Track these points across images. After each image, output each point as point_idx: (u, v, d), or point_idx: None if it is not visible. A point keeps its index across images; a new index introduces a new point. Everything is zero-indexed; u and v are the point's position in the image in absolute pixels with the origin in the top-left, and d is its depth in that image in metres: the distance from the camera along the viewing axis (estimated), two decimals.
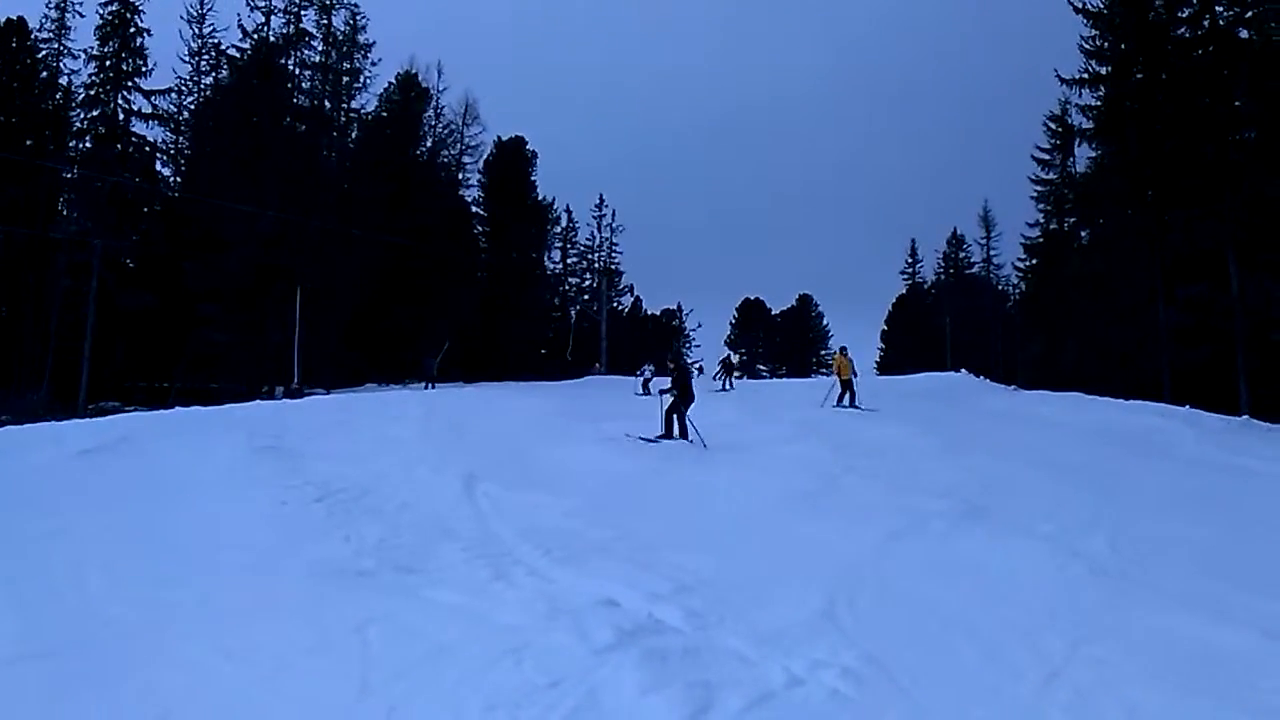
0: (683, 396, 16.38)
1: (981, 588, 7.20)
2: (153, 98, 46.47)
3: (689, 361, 21.09)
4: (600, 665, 5.17)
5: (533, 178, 61.15)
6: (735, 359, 36.97)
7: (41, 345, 39.78)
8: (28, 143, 41.98)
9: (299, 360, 38.27)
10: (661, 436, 15.98)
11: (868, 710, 4.74)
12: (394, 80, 55.57)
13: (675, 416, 16.23)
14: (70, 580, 7.36)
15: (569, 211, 70.48)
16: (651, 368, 32.64)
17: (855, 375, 23.48)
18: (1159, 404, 24.67)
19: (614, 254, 73.31)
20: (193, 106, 49.39)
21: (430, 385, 36.04)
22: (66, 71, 46.21)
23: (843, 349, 24.25)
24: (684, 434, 15.99)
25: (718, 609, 6.32)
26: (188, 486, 11.30)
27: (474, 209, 59.69)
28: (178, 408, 23.29)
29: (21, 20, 43.68)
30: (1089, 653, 5.70)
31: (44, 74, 45.21)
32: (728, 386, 32.82)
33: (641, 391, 28.84)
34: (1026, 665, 5.51)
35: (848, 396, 22.55)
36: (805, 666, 5.24)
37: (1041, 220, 51.76)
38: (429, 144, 57.42)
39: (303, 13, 49.39)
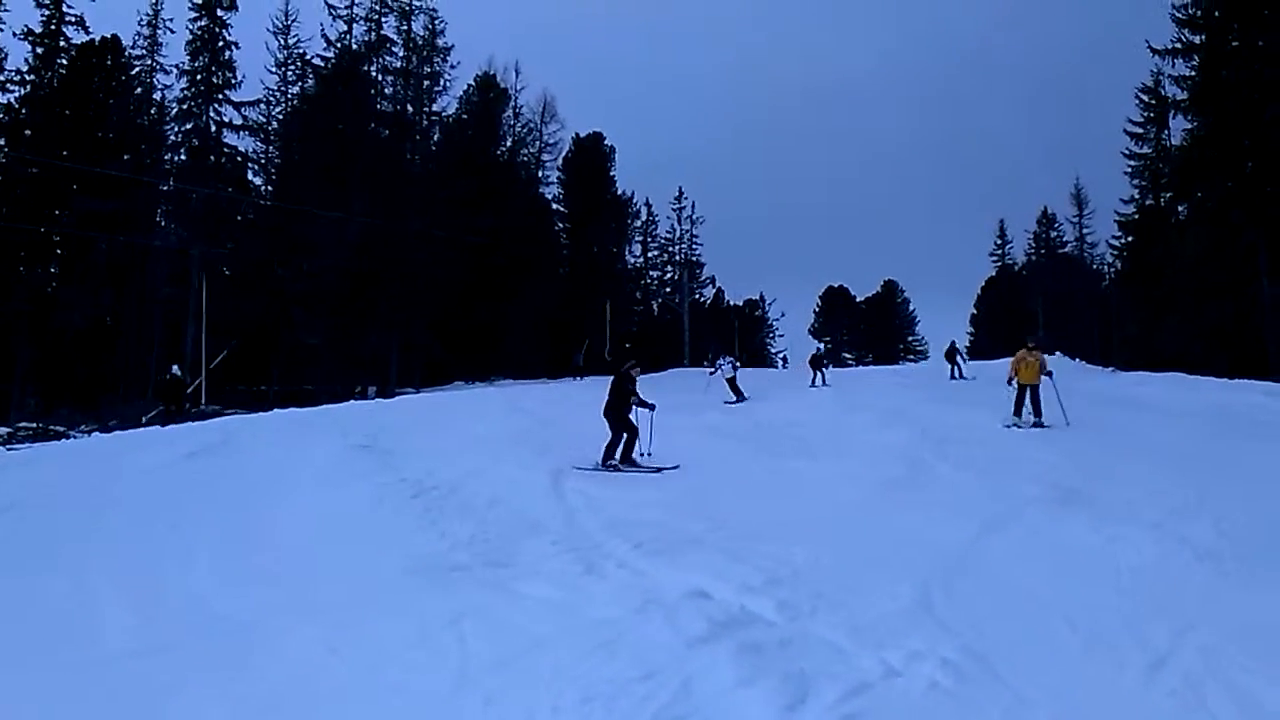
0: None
1: (1082, 576, 7.01)
2: (243, 109, 47.62)
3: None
4: (694, 657, 5.18)
5: (611, 173, 61.44)
6: (822, 349, 34.09)
7: (145, 352, 41.26)
8: (125, 157, 43.49)
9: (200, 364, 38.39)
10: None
11: (969, 703, 4.66)
12: (473, 82, 56.18)
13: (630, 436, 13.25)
14: (181, 577, 7.68)
15: (648, 205, 70.30)
16: (734, 360, 26.00)
17: (1046, 374, 16.53)
18: (1265, 382, 23.74)
19: (694, 246, 73.06)
20: (281, 116, 50.61)
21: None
22: (160, 87, 47.78)
23: (1029, 343, 17.25)
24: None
25: (811, 600, 6.28)
26: (288, 485, 11.66)
27: (554, 206, 60.14)
28: (276, 410, 23.96)
29: (115, 39, 45.19)
30: (1196, 640, 5.51)
31: (138, 90, 46.77)
32: (821, 383, 28.90)
33: (732, 398, 23.81)
34: (1132, 654, 5.36)
35: (1028, 407, 16.31)
36: (902, 658, 5.17)
37: (1136, 196, 50.09)
38: (509, 143, 57.92)
39: (383, 19, 50.37)
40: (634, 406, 13.28)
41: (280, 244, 43.02)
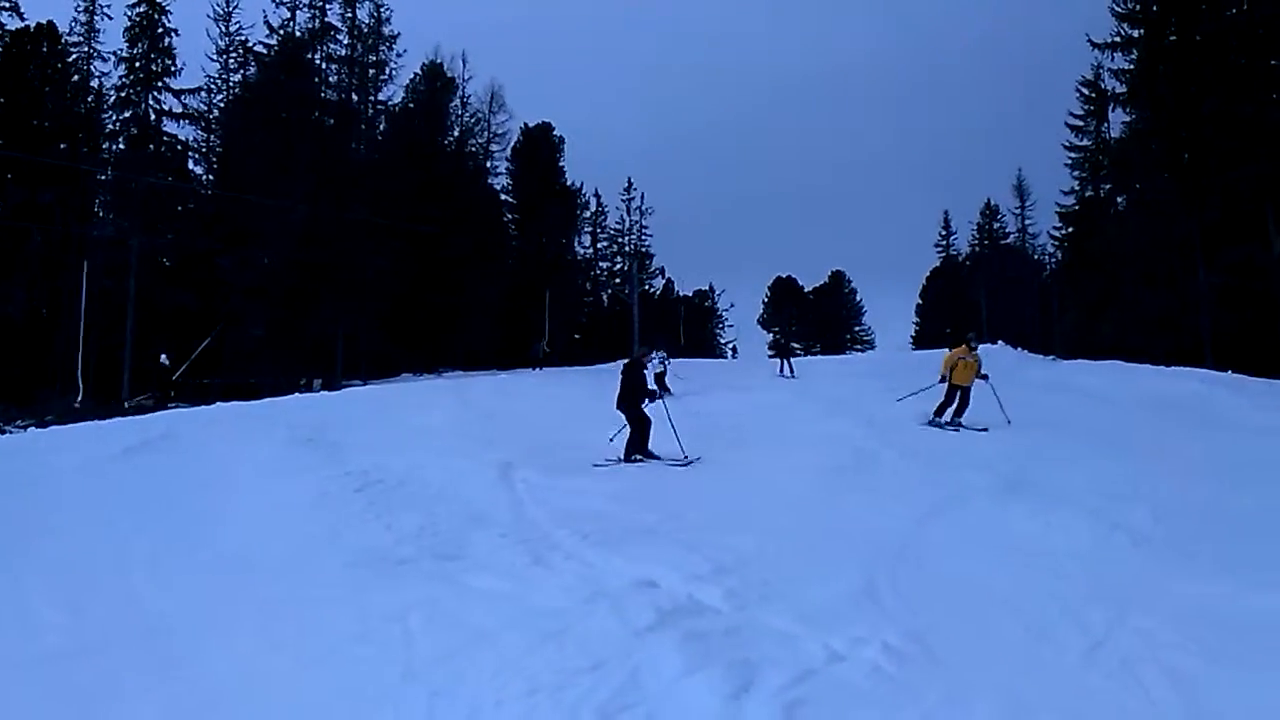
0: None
1: (1023, 562, 7.16)
2: (183, 97, 46.68)
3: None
4: (641, 647, 5.20)
5: (560, 163, 61.17)
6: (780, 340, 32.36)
7: (82, 346, 40.36)
8: (62, 146, 42.39)
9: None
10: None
11: (910, 686, 4.73)
12: (419, 71, 55.49)
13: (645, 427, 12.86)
14: (117, 575, 7.52)
15: (598, 196, 70.18)
16: (664, 355, 23.84)
17: (981, 378, 15.46)
18: (1201, 370, 24.31)
19: (644, 237, 73.13)
20: (222, 105, 49.63)
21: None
22: (97, 74, 46.53)
23: (970, 342, 15.88)
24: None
25: (758, 588, 6.32)
26: (230, 480, 11.47)
27: (503, 196, 59.75)
28: (219, 403, 23.59)
29: (51, 25, 43.91)
30: (1132, 623, 5.67)
31: (75, 77, 45.57)
32: (789, 373, 26.95)
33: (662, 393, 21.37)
34: (1069, 637, 5.48)
35: (952, 411, 15.13)
36: (846, 643, 5.23)
37: (1077, 188, 50.81)
38: (456, 133, 57.32)
39: (327, 7, 49.49)
40: (647, 397, 12.86)
41: (222, 234, 42.26)
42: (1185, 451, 12.46)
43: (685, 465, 12.01)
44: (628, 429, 12.78)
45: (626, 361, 13.49)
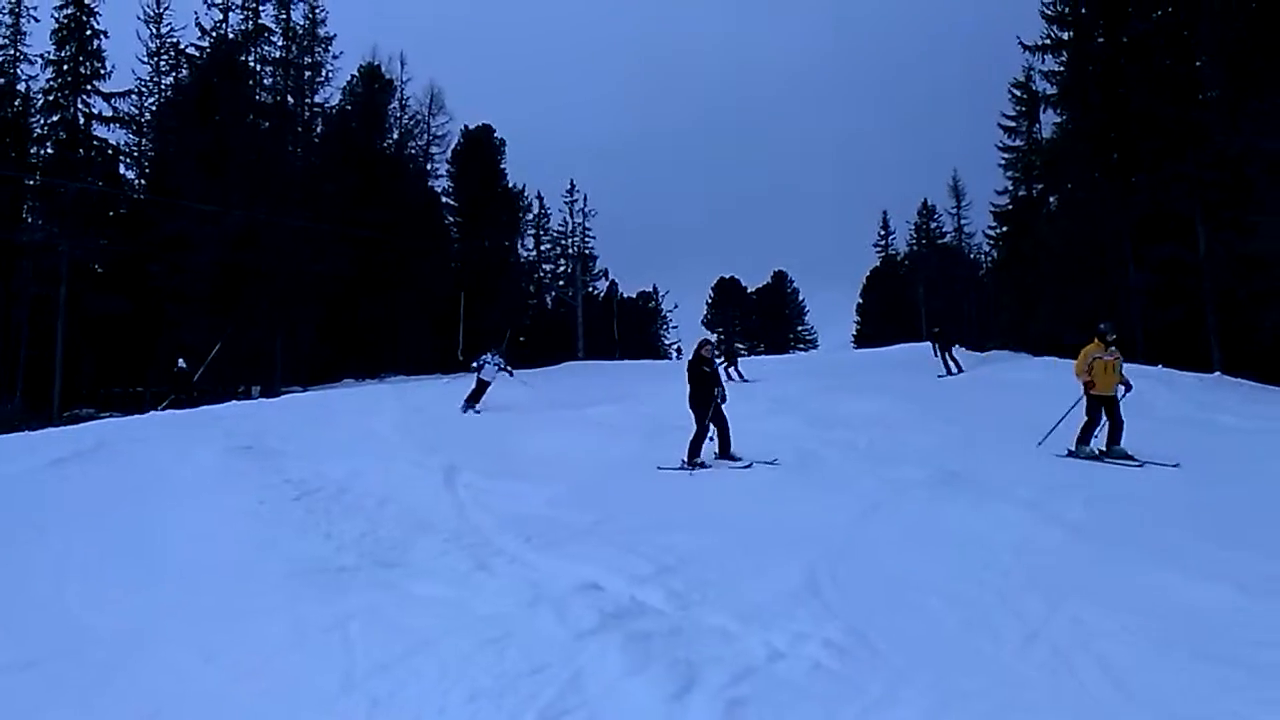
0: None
1: (961, 555, 7.26)
2: (113, 100, 45.63)
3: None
4: (583, 650, 5.18)
5: (502, 165, 60.73)
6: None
7: (11, 355, 39.31)
8: None
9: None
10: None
11: (850, 681, 4.77)
12: (356, 73, 54.80)
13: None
14: (50, 589, 7.34)
15: (540, 198, 70.01)
16: (499, 361, 21.11)
17: (1126, 390, 12.38)
18: (1133, 365, 24.82)
19: (587, 239, 73.07)
20: (154, 108, 48.70)
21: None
22: (24, 77, 45.30)
23: (1102, 331, 13.04)
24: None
25: (700, 588, 6.35)
26: (165, 490, 11.23)
27: (444, 199, 59.23)
28: (153, 412, 23.15)
29: None
30: (1067, 613, 5.78)
31: (1, 81, 44.49)
32: (739, 378, 25.25)
33: (468, 406, 19.71)
34: (1006, 628, 5.57)
35: (1105, 432, 11.90)
36: (787, 640, 5.27)
37: (1010, 187, 51.69)
38: (395, 136, 56.75)
39: (261, 8, 48.64)
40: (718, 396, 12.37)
41: (155, 240, 41.42)
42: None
43: (749, 468, 11.72)
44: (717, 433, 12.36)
45: (689, 359, 13.13)
